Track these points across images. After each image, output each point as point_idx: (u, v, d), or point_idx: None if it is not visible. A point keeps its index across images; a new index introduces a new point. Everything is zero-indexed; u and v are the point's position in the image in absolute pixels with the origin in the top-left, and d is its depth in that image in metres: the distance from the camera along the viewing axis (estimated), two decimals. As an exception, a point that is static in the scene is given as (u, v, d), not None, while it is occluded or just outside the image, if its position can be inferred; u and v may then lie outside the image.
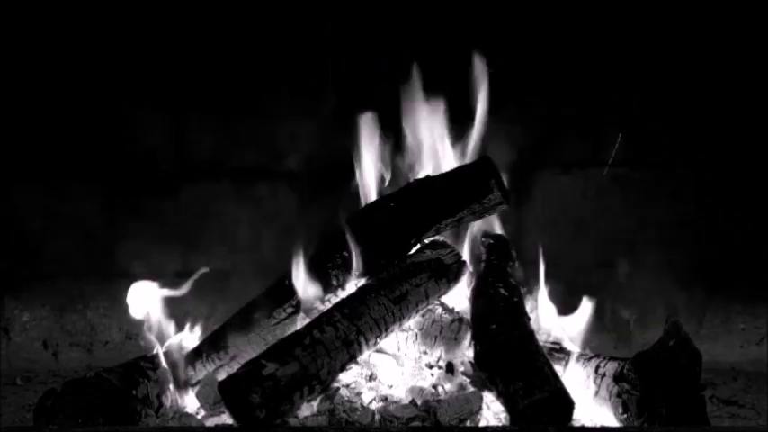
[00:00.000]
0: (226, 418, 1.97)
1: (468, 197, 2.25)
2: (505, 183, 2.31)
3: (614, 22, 2.85)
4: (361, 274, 2.21)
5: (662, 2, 2.84)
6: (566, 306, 2.34)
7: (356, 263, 2.20)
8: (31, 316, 2.91)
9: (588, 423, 2.00)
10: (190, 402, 2.12)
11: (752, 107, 2.87)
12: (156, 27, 2.82)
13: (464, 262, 2.28)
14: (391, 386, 2.13)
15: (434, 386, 2.11)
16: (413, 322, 2.22)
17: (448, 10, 2.78)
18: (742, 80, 2.86)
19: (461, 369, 2.16)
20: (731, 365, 2.82)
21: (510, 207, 2.35)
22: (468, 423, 1.96)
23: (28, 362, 2.85)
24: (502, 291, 2.19)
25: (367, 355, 2.12)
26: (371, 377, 2.14)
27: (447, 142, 2.48)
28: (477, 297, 2.22)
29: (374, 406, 2.02)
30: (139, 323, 2.22)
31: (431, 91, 2.50)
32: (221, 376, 2.02)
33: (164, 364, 2.11)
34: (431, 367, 2.21)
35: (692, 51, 2.86)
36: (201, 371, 2.14)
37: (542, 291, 2.38)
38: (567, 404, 1.84)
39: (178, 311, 2.34)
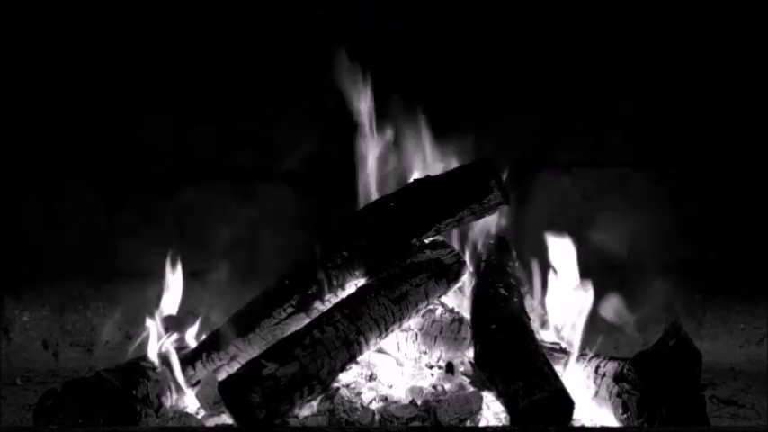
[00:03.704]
0: (226, 418, 1.97)
1: (468, 197, 2.25)
2: (505, 183, 2.31)
3: (615, 22, 2.85)
4: (362, 274, 2.21)
5: (663, 2, 2.84)
6: (566, 306, 2.34)
7: (364, 261, 2.20)
8: (31, 316, 2.91)
9: (588, 423, 2.00)
10: (190, 402, 2.12)
11: (753, 107, 2.88)
12: (156, 28, 2.82)
13: (464, 262, 2.28)
14: (391, 386, 2.13)
15: (434, 386, 2.11)
16: (413, 322, 2.22)
17: (449, 9, 2.78)
18: (742, 81, 2.87)
19: (461, 369, 2.16)
20: (731, 365, 2.82)
21: (510, 207, 2.35)
22: (468, 423, 1.96)
23: (28, 362, 2.85)
24: (502, 291, 2.20)
25: (367, 355, 2.12)
26: (371, 377, 2.14)
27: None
28: (477, 297, 2.22)
29: (374, 406, 2.02)
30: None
31: (430, 91, 2.52)
32: (221, 376, 2.02)
33: (163, 364, 2.11)
34: (431, 367, 2.21)
35: (692, 51, 2.86)
36: (201, 371, 2.14)
37: (542, 291, 2.38)
38: (567, 404, 1.84)
39: (178, 311, 2.34)
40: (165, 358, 2.13)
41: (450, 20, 2.78)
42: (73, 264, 2.91)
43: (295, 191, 2.91)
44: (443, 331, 2.23)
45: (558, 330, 2.31)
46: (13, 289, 2.91)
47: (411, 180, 2.40)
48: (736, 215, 2.93)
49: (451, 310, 2.28)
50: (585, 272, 2.43)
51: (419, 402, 2.02)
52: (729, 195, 2.92)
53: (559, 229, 2.65)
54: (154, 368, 2.10)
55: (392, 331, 2.12)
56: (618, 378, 1.96)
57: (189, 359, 2.16)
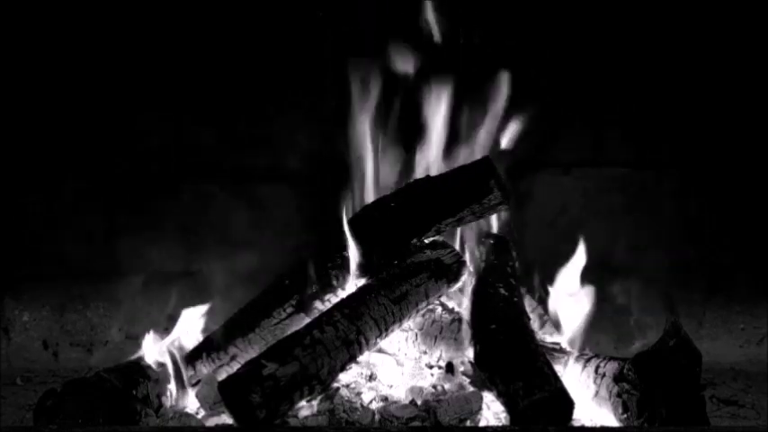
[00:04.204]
0: (226, 418, 1.97)
1: (468, 197, 2.25)
2: (505, 183, 2.31)
3: (615, 21, 2.85)
4: (362, 275, 2.21)
5: (663, 1, 2.84)
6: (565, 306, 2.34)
7: (354, 264, 2.20)
8: (31, 316, 2.91)
9: (588, 423, 2.00)
10: (190, 402, 2.12)
11: (753, 108, 2.87)
12: (156, 27, 2.82)
13: (464, 262, 2.28)
14: (391, 386, 2.13)
15: (434, 386, 2.11)
16: (413, 322, 2.22)
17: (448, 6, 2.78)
18: (742, 81, 2.86)
19: (461, 369, 2.16)
20: (731, 365, 2.82)
21: (510, 207, 2.35)
22: (468, 423, 1.96)
23: (28, 362, 2.85)
24: (502, 291, 2.20)
25: (367, 355, 2.13)
26: (371, 377, 2.14)
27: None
28: (477, 297, 2.22)
29: (374, 406, 2.03)
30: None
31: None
32: (221, 376, 2.02)
33: (163, 364, 2.11)
34: (431, 367, 2.21)
35: (693, 51, 2.86)
36: (201, 371, 2.14)
37: (542, 290, 2.38)
38: (567, 404, 1.84)
39: (178, 312, 2.34)
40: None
41: (450, 19, 2.77)
42: (73, 264, 2.90)
43: (295, 191, 2.91)
44: (443, 331, 2.23)
45: (558, 330, 2.31)
46: (13, 289, 2.90)
47: (411, 180, 2.41)
48: (736, 215, 2.92)
49: (451, 310, 2.28)
50: (585, 272, 2.44)
51: (419, 402, 2.02)
52: (729, 195, 2.92)
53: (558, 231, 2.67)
54: (154, 368, 2.10)
55: (392, 331, 2.12)
56: (618, 378, 1.96)
57: (189, 359, 2.16)
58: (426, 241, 2.28)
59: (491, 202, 2.26)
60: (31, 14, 2.81)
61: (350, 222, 2.31)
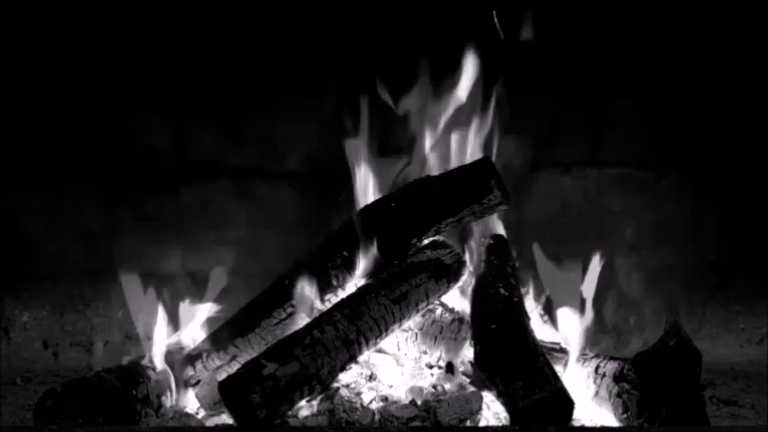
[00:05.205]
0: (226, 418, 1.98)
1: (468, 197, 2.25)
2: (505, 183, 2.31)
3: (616, 22, 2.85)
4: (363, 274, 2.21)
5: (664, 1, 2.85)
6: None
7: (364, 262, 2.20)
8: (30, 316, 2.91)
9: (588, 423, 2.00)
10: (190, 402, 2.12)
11: (753, 108, 2.88)
12: (155, 27, 2.82)
13: (464, 262, 2.28)
14: (391, 386, 2.13)
15: (434, 386, 2.11)
16: (413, 322, 2.22)
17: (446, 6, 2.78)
18: (742, 81, 2.87)
19: (461, 369, 2.16)
20: (731, 365, 2.82)
21: (510, 207, 2.35)
22: (468, 423, 1.96)
23: (28, 362, 2.85)
24: (502, 291, 2.19)
25: (367, 355, 2.13)
26: (371, 377, 2.14)
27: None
28: (477, 297, 2.22)
29: (374, 406, 2.03)
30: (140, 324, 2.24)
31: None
32: (221, 376, 2.02)
33: (163, 364, 2.11)
34: (431, 367, 2.21)
35: (694, 50, 2.86)
36: (201, 371, 2.14)
37: (542, 290, 2.39)
38: (567, 404, 1.84)
39: (178, 312, 2.34)
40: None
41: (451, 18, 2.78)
42: (73, 264, 2.90)
43: (295, 191, 2.91)
44: (443, 331, 2.23)
45: (558, 329, 2.31)
46: (13, 289, 2.91)
47: (411, 180, 2.41)
48: (737, 215, 2.93)
49: (451, 310, 2.28)
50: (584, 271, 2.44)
51: (419, 402, 2.02)
52: (729, 195, 2.92)
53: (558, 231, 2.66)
54: (154, 368, 2.11)
55: (392, 331, 2.12)
56: (618, 378, 1.96)
57: (189, 359, 2.16)
58: (426, 241, 2.28)
59: (491, 201, 2.26)
60: (32, 14, 2.81)
61: (350, 222, 2.31)
